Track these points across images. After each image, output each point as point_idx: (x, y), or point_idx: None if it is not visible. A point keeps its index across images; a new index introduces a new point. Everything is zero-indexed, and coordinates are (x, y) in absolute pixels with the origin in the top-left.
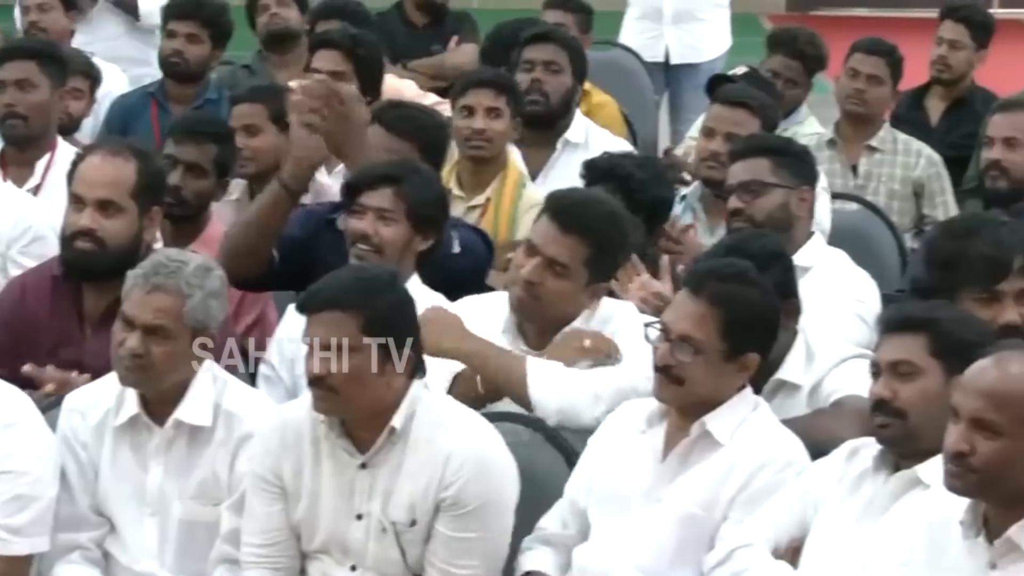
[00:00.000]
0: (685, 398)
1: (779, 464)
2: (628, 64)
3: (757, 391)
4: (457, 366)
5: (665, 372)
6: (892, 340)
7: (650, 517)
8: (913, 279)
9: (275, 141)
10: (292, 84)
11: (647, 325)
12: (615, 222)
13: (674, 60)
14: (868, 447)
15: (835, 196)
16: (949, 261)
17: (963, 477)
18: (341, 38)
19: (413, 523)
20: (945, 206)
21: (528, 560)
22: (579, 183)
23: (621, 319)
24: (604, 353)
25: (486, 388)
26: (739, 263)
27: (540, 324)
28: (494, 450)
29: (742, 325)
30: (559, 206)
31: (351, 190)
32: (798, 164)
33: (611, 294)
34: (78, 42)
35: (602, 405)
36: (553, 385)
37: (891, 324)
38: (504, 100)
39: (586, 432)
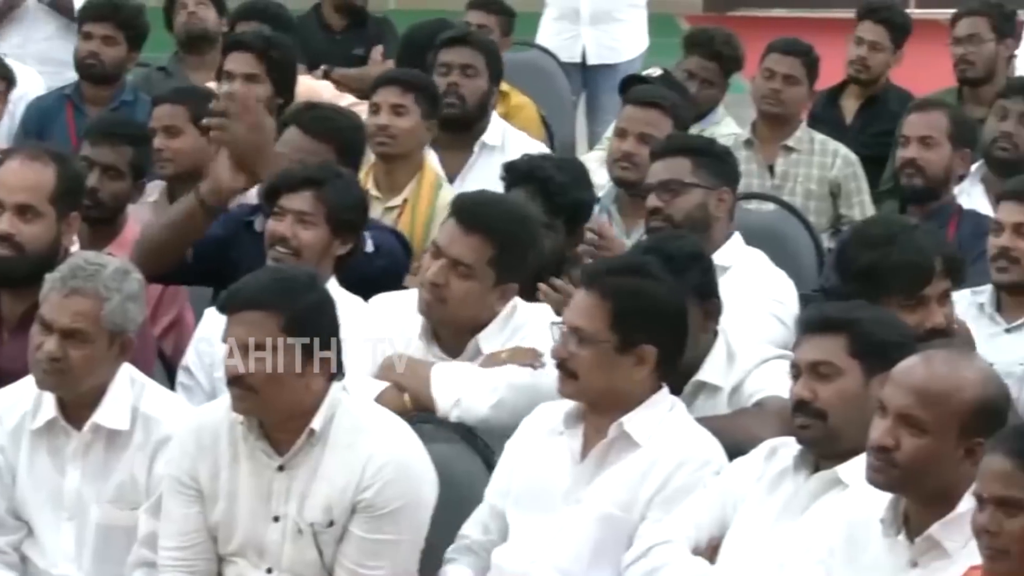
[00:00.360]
0: (582, 392)
1: (696, 463)
2: (545, 65)
3: (677, 392)
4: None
5: (561, 367)
6: (811, 341)
7: (568, 518)
8: (827, 289)
9: (195, 143)
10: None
11: (553, 324)
12: (520, 221)
13: (591, 61)
14: (788, 446)
15: (751, 196)
16: (869, 271)
17: (886, 472)
18: (254, 40)
19: (331, 524)
20: (862, 206)
21: (450, 573)
22: (497, 186)
23: (536, 325)
24: (525, 358)
25: (414, 404)
26: (637, 258)
27: (452, 328)
28: (413, 454)
29: (632, 316)
30: (462, 206)
31: (271, 192)
32: (718, 165)
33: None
34: (11, 44)
35: (496, 396)
36: (451, 380)
37: (810, 325)
38: (411, 98)
39: (506, 437)
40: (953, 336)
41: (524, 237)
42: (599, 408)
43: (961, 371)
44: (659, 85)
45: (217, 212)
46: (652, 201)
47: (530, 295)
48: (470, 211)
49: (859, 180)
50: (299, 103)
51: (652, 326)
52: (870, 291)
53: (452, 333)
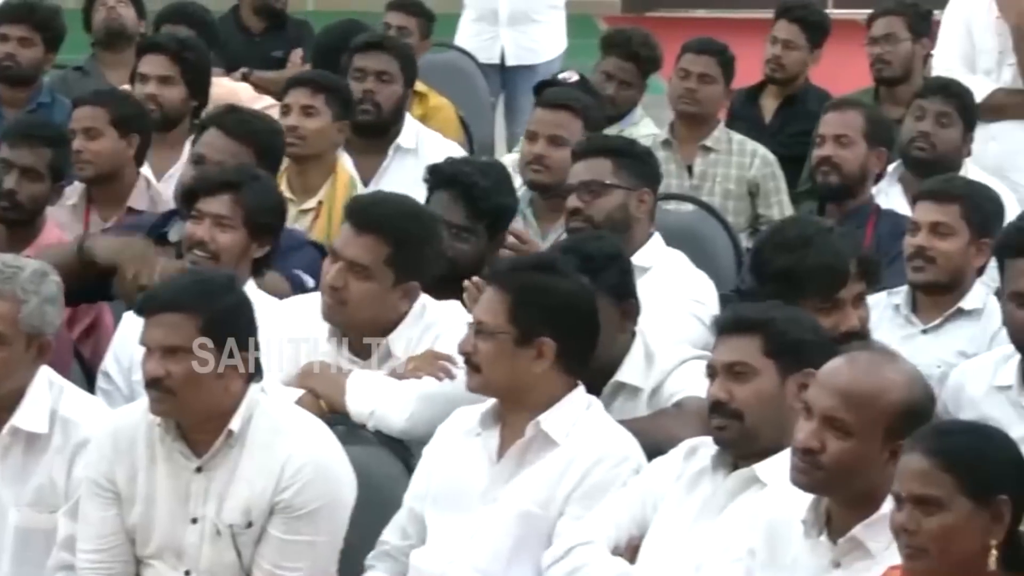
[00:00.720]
0: (486, 385)
1: (614, 460)
2: (464, 66)
3: (596, 393)
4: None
5: (467, 361)
6: (727, 341)
7: (487, 517)
8: (745, 290)
9: (114, 146)
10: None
11: (469, 324)
12: (414, 218)
13: (510, 62)
14: (706, 446)
15: (671, 197)
16: (785, 274)
17: (810, 473)
18: (168, 42)
19: (249, 525)
20: (780, 206)
21: None
22: (412, 188)
23: (446, 323)
24: (436, 369)
25: (329, 408)
26: (544, 255)
27: (358, 331)
28: (332, 455)
29: (530, 309)
30: (354, 208)
31: (189, 196)
32: (639, 166)
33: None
34: None
35: (410, 409)
36: (366, 391)
37: (725, 325)
38: (322, 99)
39: (426, 442)
40: (868, 338)
41: (419, 234)
42: (509, 405)
43: (886, 373)
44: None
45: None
46: (573, 202)
47: (449, 296)
48: (362, 212)
49: (777, 180)
50: (220, 105)
51: (551, 320)
52: (786, 293)
53: (360, 336)
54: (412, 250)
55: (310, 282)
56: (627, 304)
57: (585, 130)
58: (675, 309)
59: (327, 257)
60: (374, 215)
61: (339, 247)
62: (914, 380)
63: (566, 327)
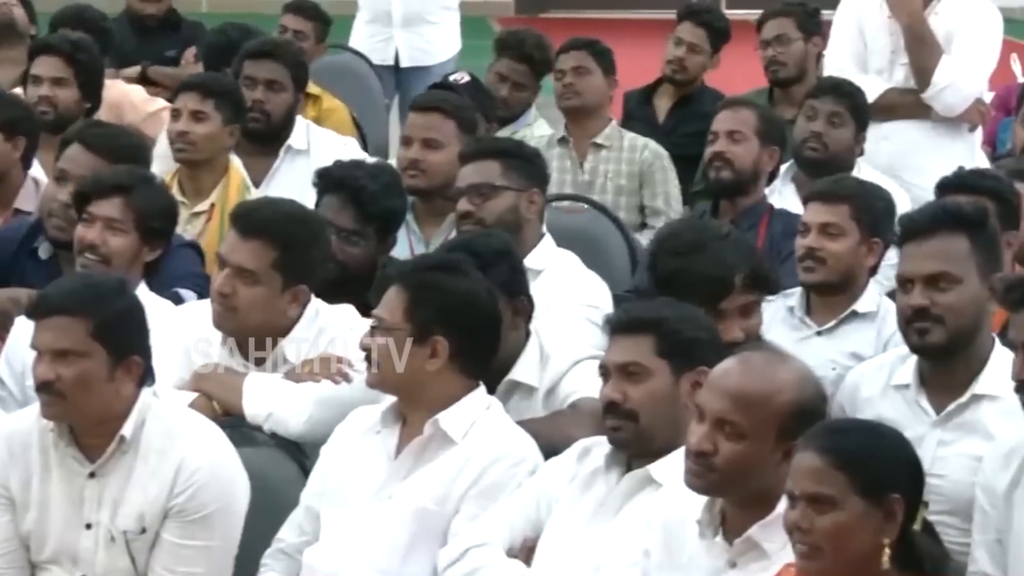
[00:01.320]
0: (383, 381)
1: (512, 460)
2: (358, 68)
3: (491, 392)
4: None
5: (367, 357)
6: (619, 342)
7: (382, 514)
8: (640, 291)
9: (0, 148)
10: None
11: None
12: (298, 221)
13: (404, 63)
14: (600, 446)
15: (563, 197)
16: (671, 279)
17: (704, 476)
18: (61, 43)
19: (143, 531)
20: (666, 196)
21: None
22: (303, 190)
23: (339, 327)
24: (333, 372)
25: (225, 410)
26: (447, 255)
27: (246, 336)
28: (225, 459)
29: (425, 306)
30: (239, 214)
31: (80, 198)
32: (528, 167)
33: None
34: None
35: (307, 413)
36: (262, 393)
37: (618, 326)
38: (212, 104)
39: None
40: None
41: (304, 237)
42: (406, 402)
43: (777, 374)
44: (467, 91)
45: None
46: (463, 205)
47: (342, 300)
48: (247, 217)
49: (666, 172)
50: (84, 121)
51: (445, 318)
52: (674, 297)
53: (253, 341)
54: (298, 253)
55: (191, 297)
56: (518, 301)
57: (459, 131)
58: (568, 314)
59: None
60: (259, 220)
61: (226, 253)
62: (805, 380)
63: (462, 327)
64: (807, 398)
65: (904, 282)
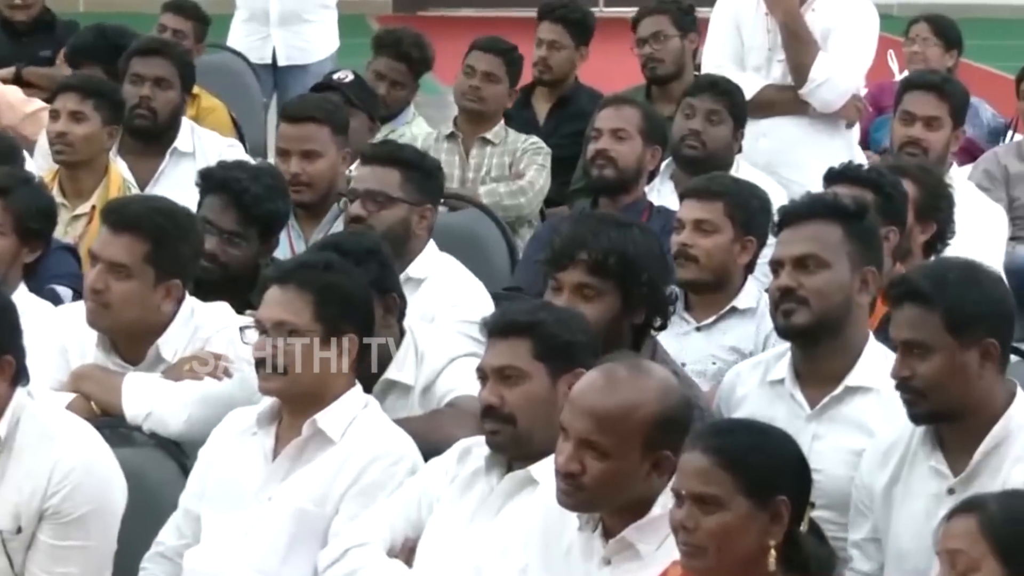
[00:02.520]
0: (291, 387)
1: (390, 459)
2: (236, 67)
3: (367, 390)
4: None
5: (265, 363)
6: (497, 345)
7: (262, 515)
8: (519, 288)
9: None
10: None
11: (243, 328)
12: (168, 215)
13: (282, 62)
14: (480, 446)
15: (448, 198)
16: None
17: (574, 495)
18: None
19: (19, 531)
20: (535, 168)
21: None
22: (189, 192)
23: (215, 325)
24: (212, 369)
25: (104, 410)
26: (324, 255)
27: (124, 335)
28: (100, 458)
29: (333, 307)
30: (109, 210)
31: None
32: (426, 180)
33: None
34: None
35: (187, 412)
36: (142, 393)
37: (495, 329)
38: (91, 105)
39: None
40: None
41: (174, 230)
42: (300, 405)
43: (636, 389)
44: (352, 90)
45: None
46: (356, 209)
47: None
48: (117, 212)
49: (540, 155)
50: None
51: (351, 316)
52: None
53: (128, 340)
54: (170, 247)
55: (67, 293)
56: (389, 298)
57: (334, 135)
58: (448, 329)
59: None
60: (129, 215)
61: (97, 249)
62: (666, 390)
63: (362, 323)
64: (670, 408)
65: (775, 266)
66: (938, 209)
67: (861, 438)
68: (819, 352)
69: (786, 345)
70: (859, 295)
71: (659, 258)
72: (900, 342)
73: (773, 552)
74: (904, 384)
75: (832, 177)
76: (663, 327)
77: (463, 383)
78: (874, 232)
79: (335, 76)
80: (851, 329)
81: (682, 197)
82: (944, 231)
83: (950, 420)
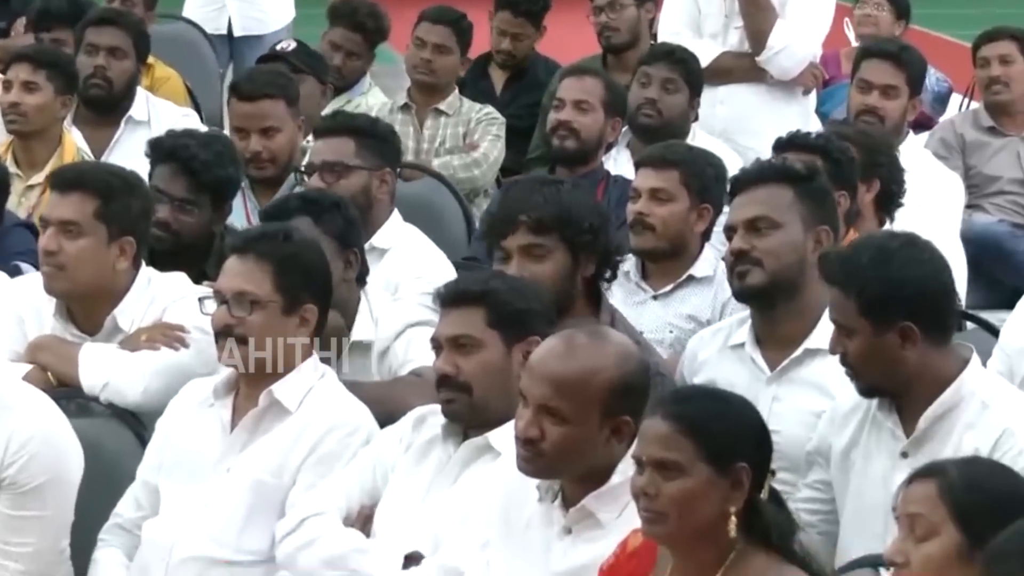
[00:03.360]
0: (250, 358)
1: (346, 429)
2: (191, 37)
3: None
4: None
5: (227, 334)
6: (450, 315)
7: (220, 487)
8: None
9: None
10: None
11: (201, 299)
12: (115, 173)
13: (237, 32)
14: (435, 415)
15: (405, 166)
16: (485, 220)
17: (534, 461)
18: None
19: None
20: (488, 137)
21: (100, 561)
22: (143, 162)
23: (172, 294)
24: (170, 339)
25: (61, 381)
26: (280, 224)
27: (82, 301)
28: (57, 429)
29: (294, 276)
30: (56, 175)
31: None
32: (382, 146)
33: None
34: None
35: (144, 383)
36: (99, 363)
37: (448, 298)
38: (44, 75)
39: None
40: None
41: (122, 186)
42: (258, 376)
43: (595, 355)
44: (297, 57)
45: None
46: (315, 182)
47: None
48: (63, 175)
49: (494, 125)
50: None
51: (311, 286)
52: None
53: (85, 307)
54: (119, 202)
55: (30, 271)
56: (350, 253)
57: (289, 108)
58: (411, 300)
59: None
60: (75, 174)
61: (47, 213)
62: (625, 356)
63: (322, 292)
64: (627, 374)
65: (728, 231)
66: (878, 164)
67: (821, 400)
68: (777, 315)
69: (747, 311)
70: (814, 255)
71: (595, 207)
72: (832, 321)
73: (733, 519)
74: (841, 360)
75: (781, 145)
76: (614, 276)
77: (421, 353)
78: (826, 192)
79: (278, 47)
80: (808, 291)
81: (637, 166)
82: (890, 188)
83: (891, 395)
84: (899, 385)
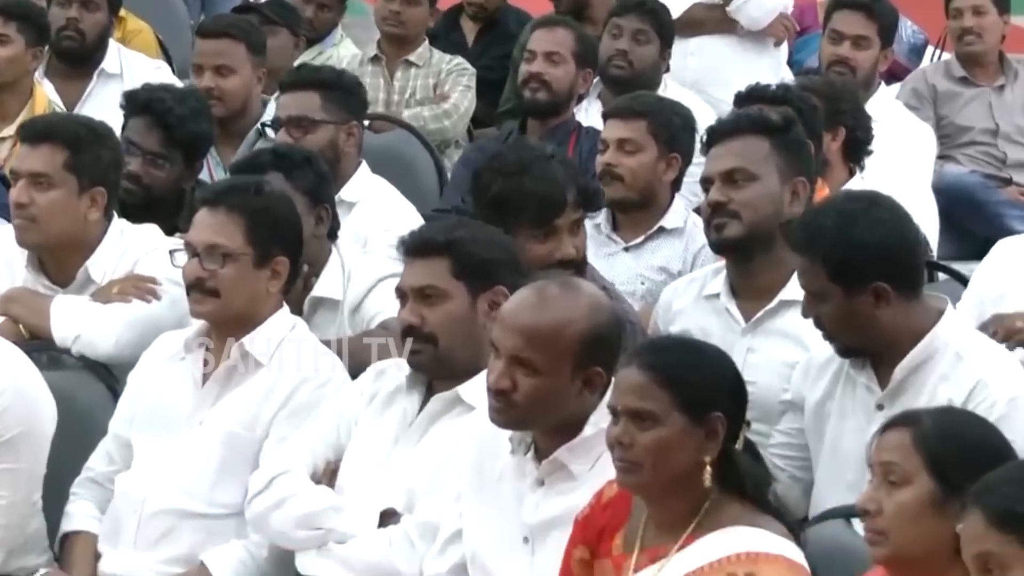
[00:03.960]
0: (223, 311)
1: (319, 380)
2: None
3: (297, 308)
4: None
5: (199, 287)
6: (415, 264)
7: (192, 440)
8: (458, 208)
9: None
10: None
11: (172, 251)
12: (84, 124)
13: None
14: (396, 367)
15: (374, 117)
16: (501, 200)
17: (506, 413)
18: None
19: None
20: (458, 89)
21: (72, 514)
22: (115, 115)
23: (144, 246)
24: (141, 291)
25: (32, 333)
26: (251, 177)
27: (54, 252)
28: (29, 381)
29: (266, 229)
30: (26, 127)
31: None
32: (347, 98)
33: None
34: None
35: (115, 335)
36: (70, 315)
37: (413, 248)
38: (14, 27)
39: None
40: (585, 264)
41: (91, 136)
42: (230, 328)
43: (566, 306)
44: (270, 8)
45: None
46: (283, 137)
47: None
48: (33, 126)
49: (464, 76)
50: None
51: (283, 239)
52: (502, 219)
53: (57, 258)
54: (89, 152)
55: (2, 224)
56: (321, 208)
57: (250, 53)
58: (380, 252)
59: None
60: (44, 125)
61: (18, 165)
62: (597, 308)
63: (293, 244)
64: (600, 324)
65: (705, 184)
66: (841, 112)
67: (795, 351)
68: (753, 267)
69: (722, 261)
70: (790, 206)
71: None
72: (802, 287)
73: (708, 468)
74: (816, 323)
75: (742, 98)
76: None
77: (393, 304)
78: (802, 143)
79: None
80: (784, 243)
81: (605, 118)
82: (856, 135)
83: (869, 354)
84: (876, 343)
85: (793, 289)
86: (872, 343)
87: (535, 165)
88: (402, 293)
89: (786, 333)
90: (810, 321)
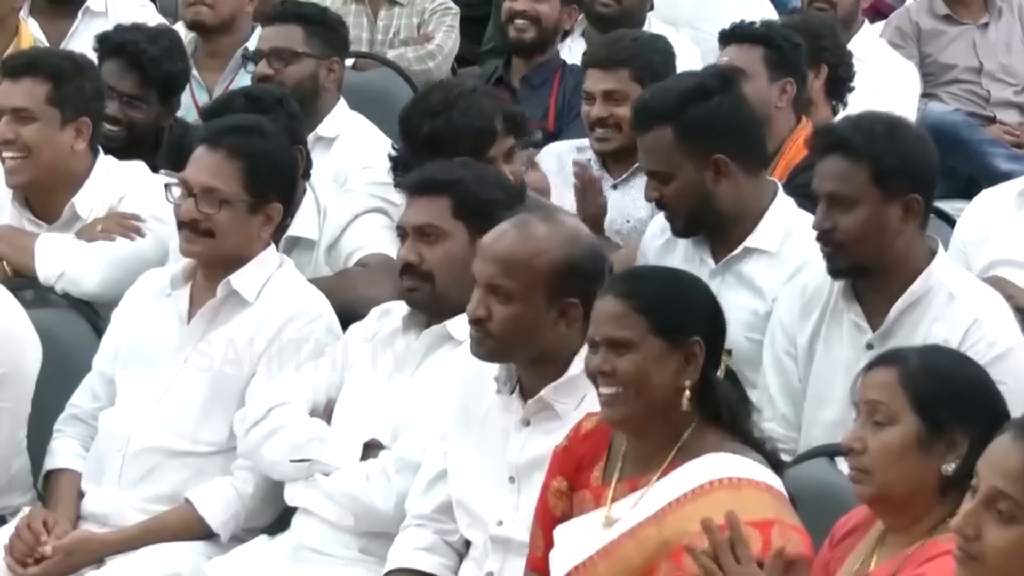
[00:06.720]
0: (216, 251)
1: (307, 317)
2: None
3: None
4: None
5: (193, 227)
6: (416, 203)
7: (177, 377)
8: (396, 158)
9: None
10: None
11: (167, 186)
12: (64, 56)
13: None
14: (400, 307)
15: (358, 55)
16: (433, 139)
17: (483, 342)
18: None
19: None
20: (443, 28)
21: (56, 451)
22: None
23: (129, 183)
24: (125, 229)
25: (16, 271)
26: (253, 117)
27: (42, 189)
28: (13, 320)
29: (263, 174)
30: (5, 62)
31: None
32: (330, 35)
33: None
34: None
35: (100, 272)
36: (54, 253)
37: (415, 187)
38: None
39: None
40: (524, 191)
41: (73, 68)
42: (218, 267)
43: (542, 236)
44: None
45: None
46: (263, 68)
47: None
48: (13, 62)
49: (448, 15)
50: None
51: (278, 184)
52: (437, 157)
53: (45, 194)
54: (70, 84)
55: None
56: (296, 149)
57: None
58: (359, 190)
59: None
60: (25, 60)
61: (1, 102)
62: (573, 239)
63: (288, 190)
64: (574, 256)
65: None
66: (822, 49)
67: (754, 300)
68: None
69: None
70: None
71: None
72: (824, 194)
73: (687, 392)
74: (825, 236)
75: (724, 36)
76: None
77: (371, 241)
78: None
79: None
80: (754, 188)
81: (585, 67)
82: (838, 72)
83: (869, 275)
84: (886, 263)
85: (758, 237)
86: (883, 261)
87: (460, 100)
88: (402, 231)
89: (746, 281)
90: (769, 271)
